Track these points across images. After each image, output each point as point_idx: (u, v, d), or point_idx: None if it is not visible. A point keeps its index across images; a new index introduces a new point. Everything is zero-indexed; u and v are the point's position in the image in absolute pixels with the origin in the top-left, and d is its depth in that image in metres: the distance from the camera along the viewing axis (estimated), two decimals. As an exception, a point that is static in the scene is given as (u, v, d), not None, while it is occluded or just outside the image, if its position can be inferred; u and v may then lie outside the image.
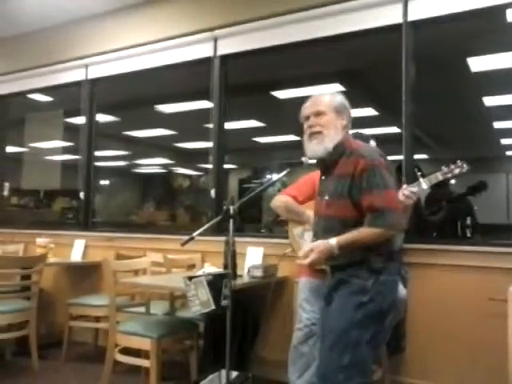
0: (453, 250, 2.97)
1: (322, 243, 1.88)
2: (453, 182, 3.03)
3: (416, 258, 2.95)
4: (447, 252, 2.97)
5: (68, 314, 3.75)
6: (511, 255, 2.76)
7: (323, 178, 2.08)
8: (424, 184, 2.52)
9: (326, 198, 1.98)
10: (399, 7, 3.23)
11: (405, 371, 2.94)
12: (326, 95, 2.08)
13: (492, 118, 6.73)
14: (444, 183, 2.73)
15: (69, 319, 3.75)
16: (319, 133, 1.99)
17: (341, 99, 2.08)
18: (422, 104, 3.32)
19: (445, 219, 3.93)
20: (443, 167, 2.55)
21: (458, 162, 2.53)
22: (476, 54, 4.41)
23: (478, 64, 4.61)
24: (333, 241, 1.85)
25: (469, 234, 4.25)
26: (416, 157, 3.34)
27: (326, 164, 2.03)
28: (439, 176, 2.53)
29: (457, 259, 2.92)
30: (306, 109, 2.07)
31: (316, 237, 2.04)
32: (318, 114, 2.02)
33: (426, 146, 7.30)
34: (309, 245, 1.94)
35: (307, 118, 2.06)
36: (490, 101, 5.90)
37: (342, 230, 1.88)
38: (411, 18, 3.21)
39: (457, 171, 2.52)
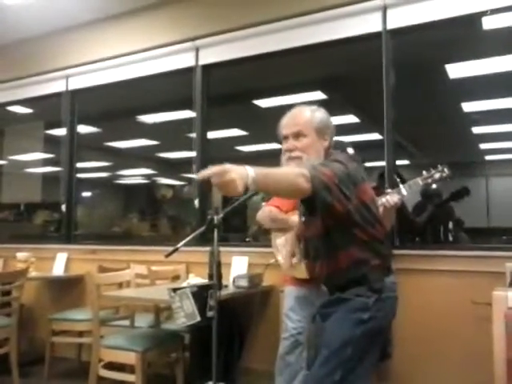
0: (435, 255, 2.99)
1: (235, 170, 1.46)
2: (434, 186, 3.04)
3: (399, 263, 2.95)
4: (430, 257, 2.99)
5: (50, 330, 3.67)
6: (492, 258, 2.78)
7: None
8: (404, 190, 2.53)
9: (303, 219, 1.90)
10: (378, 16, 3.27)
11: (391, 378, 2.93)
12: (306, 111, 1.89)
13: (471, 124, 6.85)
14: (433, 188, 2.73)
15: (51, 335, 3.67)
16: (298, 158, 1.82)
17: (322, 116, 1.89)
18: (402, 110, 3.35)
19: (429, 220, 3.95)
20: (424, 172, 2.56)
21: (439, 166, 2.54)
22: (454, 61, 4.48)
23: (456, 70, 4.69)
24: (251, 172, 1.48)
25: (451, 238, 4.29)
26: (398, 163, 3.37)
27: None
28: (419, 181, 2.53)
29: (439, 264, 2.94)
30: (284, 128, 1.88)
31: (307, 260, 1.95)
32: (298, 135, 1.84)
33: (408, 151, 7.38)
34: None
35: (285, 137, 1.88)
36: (468, 106, 6.00)
37: (323, 249, 1.81)
38: (390, 26, 3.25)
39: (437, 176, 2.52)
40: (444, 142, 7.14)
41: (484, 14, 3.06)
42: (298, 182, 1.57)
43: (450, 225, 4.23)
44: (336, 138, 2.55)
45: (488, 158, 8.81)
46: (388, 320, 1.86)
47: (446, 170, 2.52)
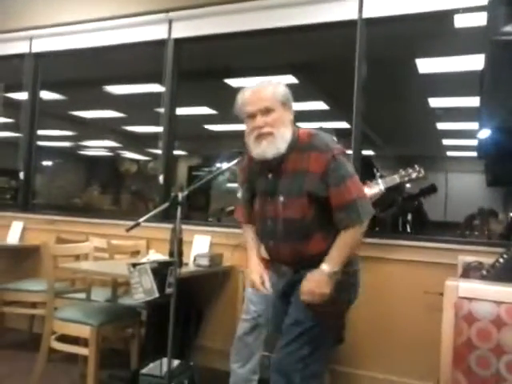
0: (392, 245, 3.07)
1: (315, 281, 1.76)
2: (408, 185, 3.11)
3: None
4: (386, 246, 3.06)
5: (1, 300, 3.56)
6: (446, 251, 2.88)
7: (270, 176, 1.88)
8: (382, 185, 2.60)
9: (281, 199, 1.83)
10: (355, 3, 3.27)
11: (342, 361, 3.02)
12: (269, 87, 1.84)
13: (435, 119, 7.02)
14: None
15: (2, 305, 3.57)
16: (270, 134, 1.79)
17: (284, 89, 1.87)
18: (371, 101, 3.39)
19: (395, 215, 4.06)
20: (401, 170, 2.64)
21: (416, 167, 2.63)
22: (424, 56, 4.56)
23: (425, 65, 4.78)
24: (328, 269, 1.75)
25: (408, 230, 4.42)
26: (363, 152, 3.42)
27: (272, 162, 1.84)
28: (397, 179, 2.62)
29: (395, 253, 3.02)
30: (250, 105, 1.82)
31: (274, 241, 1.90)
32: (266, 111, 1.80)
33: (373, 142, 7.51)
34: (304, 285, 1.79)
35: (252, 115, 1.82)
36: (434, 102, 6.14)
37: (303, 231, 1.82)
38: (366, 15, 3.26)
39: (414, 175, 2.62)
40: (408, 135, 7.30)
41: (456, 11, 3.12)
42: (361, 237, 1.83)
43: (409, 216, 4.36)
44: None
45: (449, 153, 9.09)
46: (355, 295, 1.93)
47: (422, 170, 2.61)
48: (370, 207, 1.84)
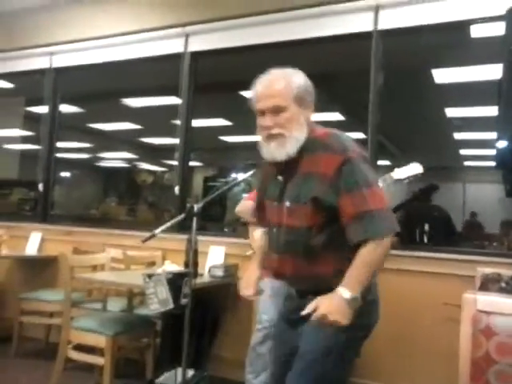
0: (408, 256, 3.03)
1: (331, 306, 1.43)
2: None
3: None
4: (403, 257, 3.02)
5: (19, 309, 3.62)
6: (464, 262, 2.84)
7: (279, 178, 1.64)
8: (381, 183, 2.58)
9: (288, 204, 1.58)
10: (370, 15, 3.28)
11: (359, 373, 2.98)
12: (281, 80, 1.57)
13: (452, 129, 6.95)
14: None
15: (20, 314, 3.62)
16: (280, 135, 1.55)
17: (300, 82, 1.59)
18: (387, 111, 3.38)
19: (405, 221, 3.98)
20: (396, 168, 2.62)
21: (412, 163, 2.60)
22: (440, 66, 4.54)
23: (442, 76, 4.75)
24: (346, 294, 1.43)
25: (426, 240, 4.36)
26: (379, 163, 3.41)
27: (284, 164, 1.60)
28: (394, 176, 2.59)
29: (412, 265, 2.99)
30: (259, 101, 1.58)
31: (277, 253, 1.66)
32: (277, 110, 1.54)
33: (389, 152, 7.47)
34: (317, 304, 1.45)
35: (262, 112, 1.58)
36: (451, 112, 6.09)
37: (308, 244, 1.55)
38: (381, 26, 3.26)
39: (411, 172, 2.59)
40: (425, 145, 7.24)
41: (473, 21, 3.10)
42: (387, 253, 1.49)
43: (426, 227, 4.29)
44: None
45: (467, 163, 8.97)
46: (371, 325, 1.64)
47: (419, 166, 2.57)
48: (393, 222, 1.51)
